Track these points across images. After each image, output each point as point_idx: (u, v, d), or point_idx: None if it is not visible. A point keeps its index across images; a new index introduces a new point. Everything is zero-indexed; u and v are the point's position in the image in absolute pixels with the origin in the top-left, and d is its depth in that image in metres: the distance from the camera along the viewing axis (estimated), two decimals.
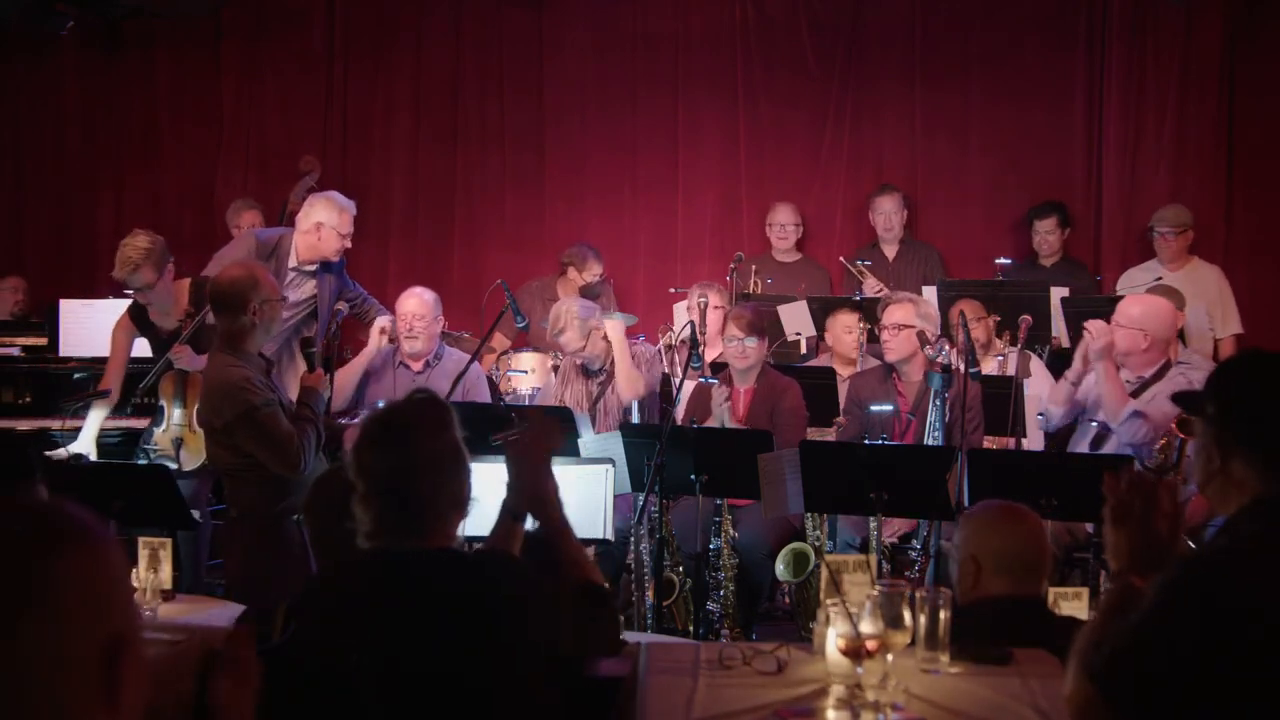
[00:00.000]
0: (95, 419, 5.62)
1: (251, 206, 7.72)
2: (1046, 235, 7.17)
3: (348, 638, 2.44)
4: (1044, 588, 3.04)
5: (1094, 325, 5.17)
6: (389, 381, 5.94)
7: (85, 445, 5.51)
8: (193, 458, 5.28)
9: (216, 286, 4.33)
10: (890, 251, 7.45)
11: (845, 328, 6.28)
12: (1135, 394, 5.17)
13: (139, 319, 5.71)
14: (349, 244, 5.84)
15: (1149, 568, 2.17)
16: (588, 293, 7.24)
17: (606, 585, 2.76)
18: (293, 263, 5.74)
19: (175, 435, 5.38)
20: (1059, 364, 6.18)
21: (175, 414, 5.42)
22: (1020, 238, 7.42)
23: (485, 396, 5.85)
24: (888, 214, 7.41)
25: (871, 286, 6.96)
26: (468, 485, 2.59)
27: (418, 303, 5.93)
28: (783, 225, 7.53)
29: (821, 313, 6.52)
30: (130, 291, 5.63)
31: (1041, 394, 5.65)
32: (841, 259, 7.38)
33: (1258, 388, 2.15)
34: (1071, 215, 7.28)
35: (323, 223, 5.71)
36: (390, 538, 2.51)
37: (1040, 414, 5.50)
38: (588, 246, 7.44)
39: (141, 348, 5.84)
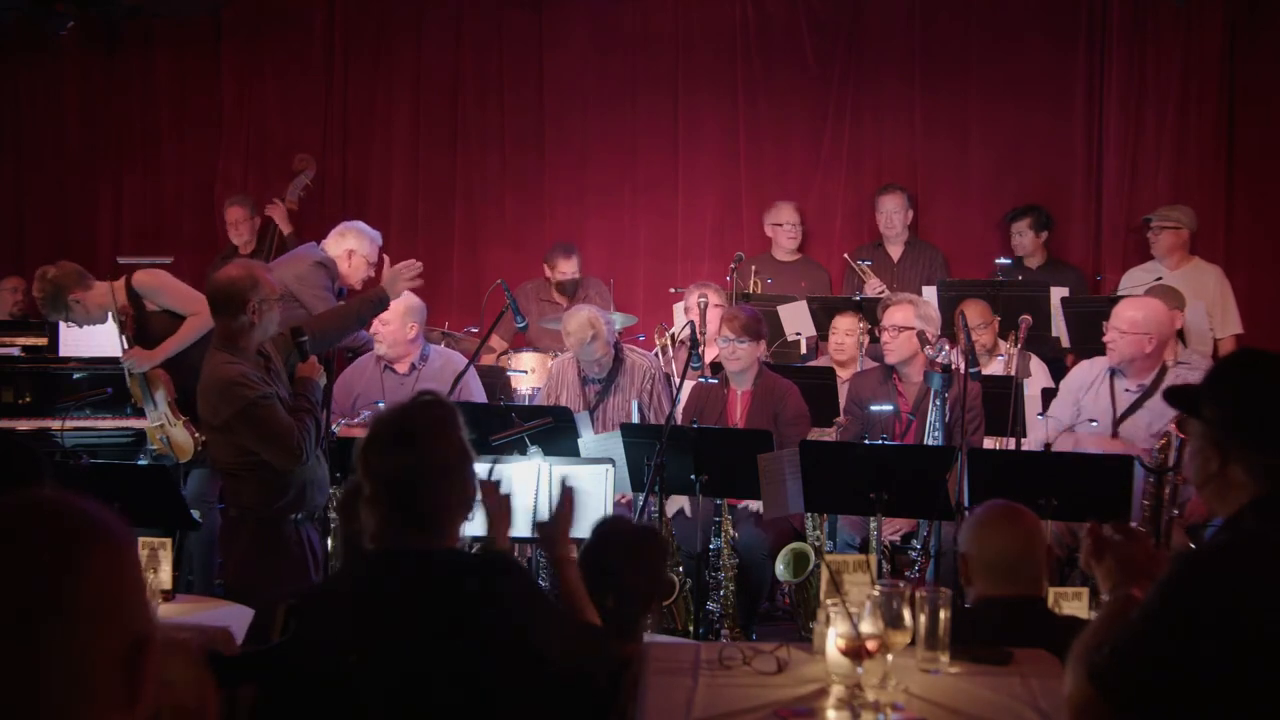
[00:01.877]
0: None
1: (236, 203, 7.70)
2: (1019, 238, 7.19)
3: (352, 637, 2.44)
4: (1044, 588, 3.03)
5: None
6: (376, 385, 5.90)
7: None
8: (183, 446, 5.33)
9: (215, 286, 4.32)
10: (895, 251, 7.45)
11: (845, 331, 6.29)
12: (1136, 404, 5.16)
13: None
14: (374, 274, 5.91)
15: (1141, 579, 2.18)
16: (563, 290, 7.30)
17: (600, 625, 2.78)
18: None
19: (160, 434, 5.42)
20: (1059, 369, 6.19)
21: (151, 412, 5.49)
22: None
23: (480, 397, 5.84)
24: (889, 213, 7.41)
25: (874, 286, 6.96)
26: (473, 485, 2.60)
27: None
28: (785, 225, 7.53)
29: (823, 314, 6.52)
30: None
31: (1041, 393, 5.65)
32: (845, 256, 7.37)
33: (1258, 390, 2.14)
34: (1051, 218, 7.28)
35: (355, 250, 5.98)
36: (397, 538, 2.51)
37: (1040, 414, 5.50)
38: (560, 245, 7.50)
39: None
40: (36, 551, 1.25)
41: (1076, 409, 5.32)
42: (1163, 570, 2.07)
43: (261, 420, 4.14)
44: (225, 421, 4.19)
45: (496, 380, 6.20)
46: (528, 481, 4.33)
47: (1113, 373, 5.27)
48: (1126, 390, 5.19)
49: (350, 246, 5.98)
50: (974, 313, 5.89)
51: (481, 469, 2.72)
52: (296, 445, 4.15)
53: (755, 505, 5.33)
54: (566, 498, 2.89)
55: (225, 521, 4.48)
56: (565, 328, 5.86)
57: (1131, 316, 5.21)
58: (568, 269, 7.36)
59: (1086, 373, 5.39)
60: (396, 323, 5.88)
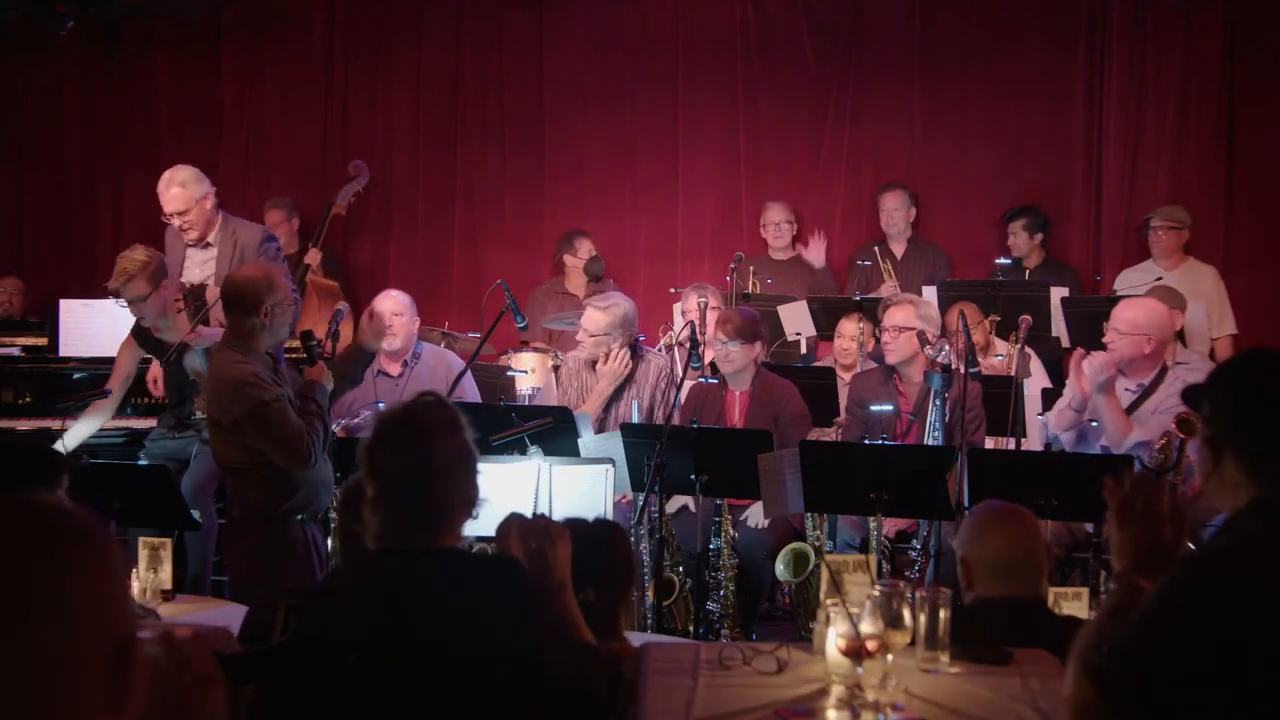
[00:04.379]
0: (92, 423, 5.59)
1: (275, 205, 7.69)
2: (1015, 238, 7.19)
3: (355, 636, 2.44)
4: (1043, 588, 3.03)
5: (1094, 361, 5.10)
6: (369, 387, 5.80)
7: (71, 444, 5.46)
8: None
9: (232, 285, 4.33)
10: (898, 250, 7.46)
11: (850, 336, 6.30)
12: (1137, 403, 5.15)
13: (142, 338, 5.59)
14: (166, 218, 5.66)
15: (1153, 569, 2.16)
16: (591, 270, 7.40)
17: (595, 642, 2.76)
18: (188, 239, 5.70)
19: None
20: (1059, 369, 6.18)
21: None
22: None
23: (474, 397, 5.82)
24: (890, 211, 7.43)
25: (889, 289, 6.94)
26: (476, 485, 2.60)
27: (393, 302, 5.86)
28: (777, 224, 7.56)
29: (824, 314, 6.52)
30: (123, 304, 5.52)
31: (1041, 393, 5.65)
32: (869, 259, 7.32)
33: (1251, 388, 2.14)
34: (1048, 219, 7.28)
35: None
36: (401, 538, 2.51)
37: (1040, 415, 5.50)
38: (571, 232, 7.60)
39: None
40: (17, 551, 1.25)
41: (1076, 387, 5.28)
42: (1172, 565, 2.06)
43: (272, 422, 4.13)
44: (235, 421, 4.18)
45: (497, 380, 6.19)
46: (528, 481, 4.33)
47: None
48: (1126, 389, 5.18)
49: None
50: (966, 313, 5.89)
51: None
52: (306, 448, 4.15)
53: (756, 518, 5.33)
54: (554, 537, 2.74)
55: (229, 521, 4.47)
56: (597, 318, 5.76)
57: (1130, 317, 5.19)
58: (586, 249, 7.47)
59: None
60: (408, 314, 5.89)
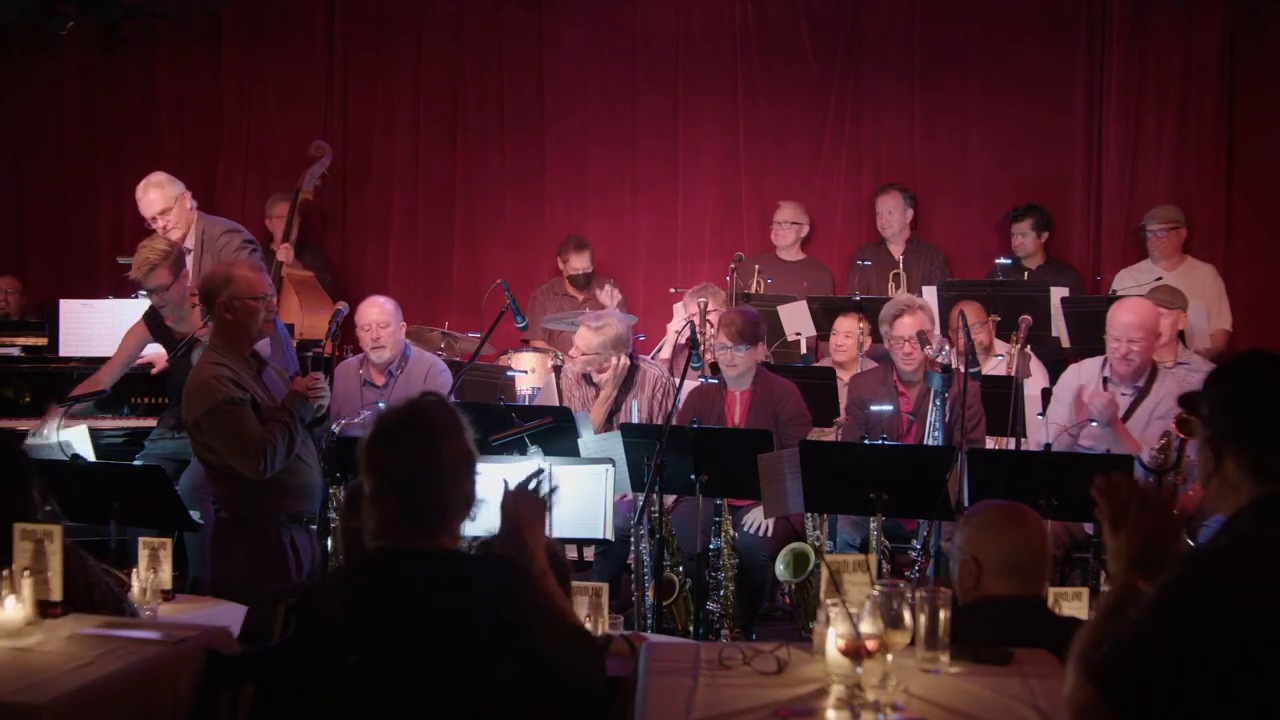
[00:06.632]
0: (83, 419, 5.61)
1: (288, 198, 7.68)
2: (1021, 238, 7.20)
3: (352, 637, 2.44)
4: (1045, 588, 3.03)
5: (1095, 404, 5.06)
6: (356, 397, 5.83)
7: (66, 438, 5.47)
8: None
9: (198, 285, 4.41)
10: (896, 250, 7.47)
11: (846, 333, 6.30)
12: (1132, 408, 5.15)
13: (154, 324, 5.64)
14: (149, 224, 5.75)
15: (1149, 569, 2.17)
16: (576, 284, 7.45)
17: (586, 628, 2.75)
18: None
19: None
20: (1059, 369, 6.17)
21: None
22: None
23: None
24: (885, 213, 7.44)
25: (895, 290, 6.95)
26: (475, 487, 2.60)
27: (379, 311, 5.85)
28: (780, 223, 7.57)
29: (823, 314, 6.52)
30: (144, 293, 5.54)
31: (1041, 393, 5.64)
32: (869, 259, 7.32)
33: (1249, 388, 2.14)
34: (1052, 218, 7.29)
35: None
36: (399, 537, 2.51)
37: (1040, 415, 5.49)
38: (573, 238, 7.65)
39: None
40: None
41: (1073, 412, 5.29)
42: (1172, 565, 2.06)
43: (226, 423, 4.11)
44: (196, 420, 4.17)
45: (497, 380, 6.18)
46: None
47: (1105, 377, 5.26)
48: (1123, 394, 5.18)
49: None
50: (969, 313, 5.90)
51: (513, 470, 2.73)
52: (256, 453, 4.10)
53: (755, 520, 5.33)
54: (523, 516, 2.73)
55: (215, 522, 4.46)
56: (589, 338, 5.75)
57: (1127, 321, 5.15)
58: (579, 264, 7.52)
59: (1077, 376, 5.36)
60: (394, 323, 5.86)
